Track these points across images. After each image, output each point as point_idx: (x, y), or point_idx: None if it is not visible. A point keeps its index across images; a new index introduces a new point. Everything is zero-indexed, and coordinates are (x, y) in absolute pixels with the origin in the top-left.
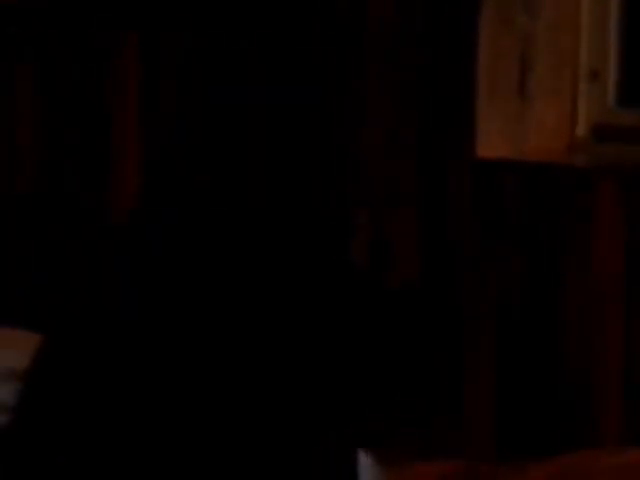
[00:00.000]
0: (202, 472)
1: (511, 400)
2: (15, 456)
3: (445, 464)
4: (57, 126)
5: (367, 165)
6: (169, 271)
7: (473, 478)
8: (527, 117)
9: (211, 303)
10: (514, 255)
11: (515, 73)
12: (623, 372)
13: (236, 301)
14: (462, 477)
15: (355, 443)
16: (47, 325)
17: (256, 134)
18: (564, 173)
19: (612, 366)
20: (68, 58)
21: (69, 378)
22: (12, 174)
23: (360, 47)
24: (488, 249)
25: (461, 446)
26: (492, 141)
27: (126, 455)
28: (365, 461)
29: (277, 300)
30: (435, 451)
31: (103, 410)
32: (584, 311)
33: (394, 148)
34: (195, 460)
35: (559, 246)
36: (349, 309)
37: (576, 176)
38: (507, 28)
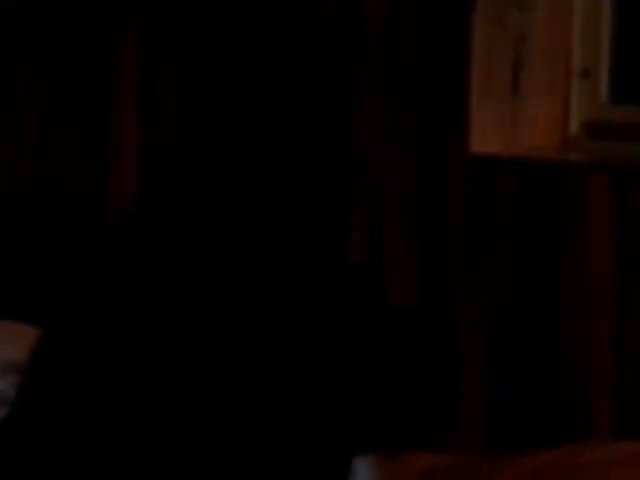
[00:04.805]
0: (200, 468)
1: (505, 399)
2: (14, 449)
3: (430, 458)
4: (57, 126)
5: (366, 165)
6: (167, 270)
7: (458, 471)
8: (520, 114)
9: (208, 303)
10: (508, 250)
11: (508, 71)
12: (615, 370)
13: (233, 300)
14: (447, 471)
15: (350, 444)
16: (46, 320)
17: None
18: (557, 169)
19: (604, 364)
20: (68, 58)
21: (67, 371)
22: (12, 174)
23: (359, 47)
24: (483, 245)
25: (451, 445)
26: (486, 138)
27: (124, 450)
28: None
29: (273, 300)
30: (424, 448)
31: (101, 403)
32: (577, 307)
33: (394, 147)
34: (192, 456)
35: (552, 241)
36: (345, 309)
37: (569, 172)
38: (501, 26)
